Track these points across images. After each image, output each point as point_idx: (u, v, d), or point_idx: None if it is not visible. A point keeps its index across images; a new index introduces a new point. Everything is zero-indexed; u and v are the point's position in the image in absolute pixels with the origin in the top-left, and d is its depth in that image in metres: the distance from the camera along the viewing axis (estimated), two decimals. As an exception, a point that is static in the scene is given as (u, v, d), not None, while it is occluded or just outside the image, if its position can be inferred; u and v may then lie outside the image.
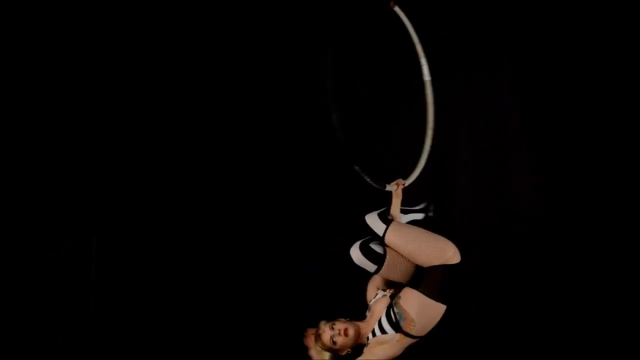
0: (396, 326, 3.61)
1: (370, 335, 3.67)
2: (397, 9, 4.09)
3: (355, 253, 3.78)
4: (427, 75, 4.13)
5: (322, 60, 3.88)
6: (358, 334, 3.68)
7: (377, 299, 3.79)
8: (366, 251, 3.78)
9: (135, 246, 4.91)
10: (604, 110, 4.84)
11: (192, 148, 4.98)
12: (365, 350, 3.66)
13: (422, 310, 3.60)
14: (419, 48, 4.10)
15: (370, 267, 3.79)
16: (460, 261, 3.69)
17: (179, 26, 5.00)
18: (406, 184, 4.03)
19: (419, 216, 4.12)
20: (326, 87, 3.84)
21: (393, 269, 3.80)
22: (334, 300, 4.77)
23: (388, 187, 3.97)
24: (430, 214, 4.14)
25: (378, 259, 3.78)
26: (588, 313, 4.75)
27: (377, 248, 3.82)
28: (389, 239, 3.76)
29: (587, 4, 4.84)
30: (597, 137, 4.85)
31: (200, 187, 4.97)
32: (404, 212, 4.06)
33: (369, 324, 3.70)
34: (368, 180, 3.89)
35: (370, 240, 3.85)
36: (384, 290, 3.84)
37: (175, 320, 4.88)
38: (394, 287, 3.83)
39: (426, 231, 3.80)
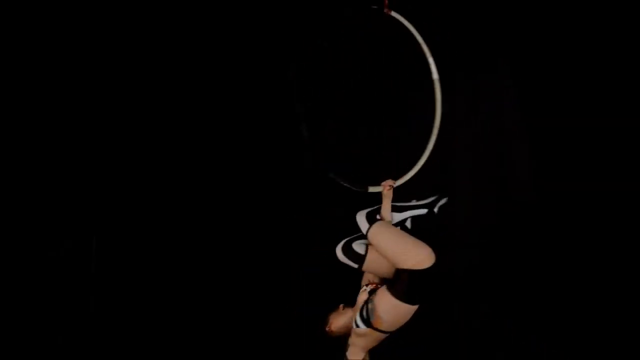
0: (366, 322, 3.81)
1: (353, 325, 3.86)
2: (394, 13, 4.08)
3: (338, 252, 3.98)
4: (435, 74, 4.14)
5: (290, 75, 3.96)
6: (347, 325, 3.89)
7: (360, 292, 3.95)
8: (347, 250, 3.96)
9: (135, 246, 4.91)
10: (605, 111, 4.85)
11: (192, 148, 4.98)
12: (349, 339, 3.88)
13: (391, 309, 3.76)
14: (425, 48, 4.12)
15: (352, 265, 3.97)
16: (431, 266, 3.75)
17: (179, 27, 5.00)
18: (396, 185, 4.04)
19: (421, 211, 4.13)
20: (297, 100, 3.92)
21: (377, 266, 3.93)
22: (334, 300, 4.78)
23: (372, 189, 3.99)
24: (436, 209, 4.14)
25: (358, 259, 3.94)
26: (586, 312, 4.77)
27: (359, 247, 3.96)
28: (369, 238, 3.91)
29: (586, 5, 4.84)
30: (598, 138, 4.85)
31: (200, 187, 4.97)
32: (399, 209, 4.08)
33: (353, 315, 3.90)
34: (345, 184, 3.95)
35: (357, 239, 4.00)
36: (371, 284, 3.95)
37: (175, 320, 4.88)
38: (380, 282, 3.96)
39: (405, 234, 3.90)
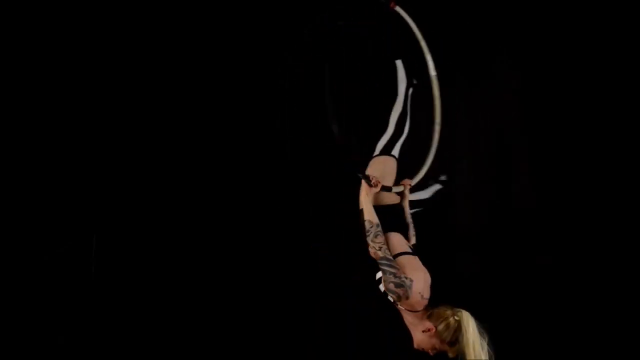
0: None
1: None
2: (398, 8, 4.07)
3: None
4: (432, 70, 4.08)
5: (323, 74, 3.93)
6: None
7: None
8: None
9: (135, 246, 4.91)
10: (604, 110, 4.85)
11: (192, 147, 4.98)
12: None
13: None
14: (423, 44, 4.07)
15: None
16: None
17: (179, 26, 5.00)
18: (412, 184, 3.98)
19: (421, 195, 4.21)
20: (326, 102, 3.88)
21: None
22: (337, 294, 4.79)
23: (395, 190, 3.94)
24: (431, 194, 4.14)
25: None
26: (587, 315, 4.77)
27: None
28: None
29: (588, 3, 4.85)
30: (598, 137, 4.86)
31: (200, 187, 4.97)
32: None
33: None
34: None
35: None
36: None
37: (175, 319, 4.88)
38: None
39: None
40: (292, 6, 4.96)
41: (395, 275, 3.45)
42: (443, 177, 4.48)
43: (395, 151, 4.04)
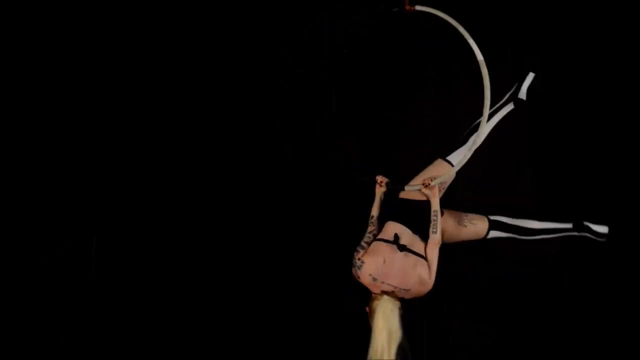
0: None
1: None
2: (419, 7, 4.01)
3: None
4: (479, 55, 3.90)
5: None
6: None
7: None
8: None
9: (135, 246, 4.91)
10: (607, 109, 4.85)
11: (192, 147, 4.98)
12: None
13: None
14: (462, 30, 3.92)
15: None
16: None
17: (179, 26, 5.01)
18: (433, 183, 3.98)
19: (508, 109, 4.30)
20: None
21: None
22: (337, 294, 4.79)
23: (408, 188, 4.01)
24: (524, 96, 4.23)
25: None
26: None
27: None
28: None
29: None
30: (599, 143, 4.87)
31: (200, 187, 4.97)
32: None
33: None
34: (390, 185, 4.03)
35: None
36: None
37: (175, 319, 4.88)
38: None
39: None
40: (292, 6, 4.97)
41: (353, 257, 3.84)
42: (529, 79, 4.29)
43: (453, 157, 4.15)
